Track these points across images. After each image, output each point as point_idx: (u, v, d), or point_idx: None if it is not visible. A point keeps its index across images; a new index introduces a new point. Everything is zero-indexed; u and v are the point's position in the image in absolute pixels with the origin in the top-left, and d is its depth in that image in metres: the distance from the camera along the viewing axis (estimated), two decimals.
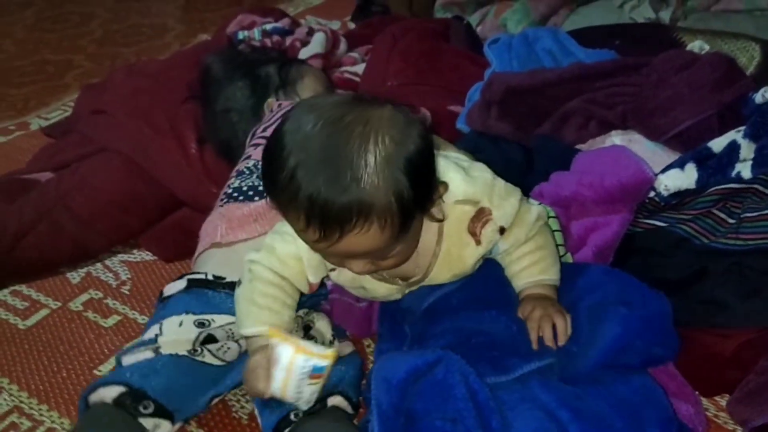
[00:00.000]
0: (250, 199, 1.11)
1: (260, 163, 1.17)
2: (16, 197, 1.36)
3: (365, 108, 0.76)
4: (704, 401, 0.95)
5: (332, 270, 0.92)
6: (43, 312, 1.24)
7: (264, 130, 1.27)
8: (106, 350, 1.15)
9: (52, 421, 1.03)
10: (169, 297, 1.02)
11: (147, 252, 1.37)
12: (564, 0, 1.87)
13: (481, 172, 0.90)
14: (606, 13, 1.80)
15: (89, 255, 1.36)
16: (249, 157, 1.22)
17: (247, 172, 1.17)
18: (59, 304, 1.26)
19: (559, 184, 1.11)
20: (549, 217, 1.01)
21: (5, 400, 1.07)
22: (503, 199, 0.89)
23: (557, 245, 1.01)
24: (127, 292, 1.28)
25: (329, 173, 0.73)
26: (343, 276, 0.93)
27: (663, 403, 0.83)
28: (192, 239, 1.24)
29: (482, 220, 0.88)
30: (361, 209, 0.73)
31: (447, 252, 0.90)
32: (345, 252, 0.78)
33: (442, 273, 0.92)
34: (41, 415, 1.04)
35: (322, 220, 0.73)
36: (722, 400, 0.96)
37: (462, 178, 0.86)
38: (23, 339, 1.19)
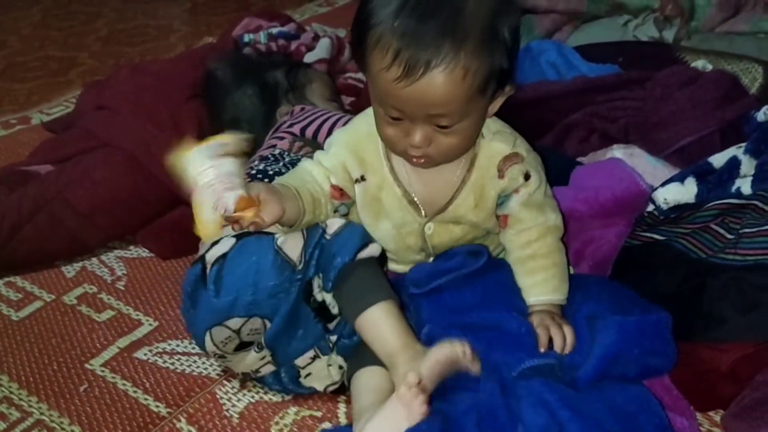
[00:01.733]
0: None
1: (286, 152, 1.17)
2: (16, 188, 1.36)
3: None
4: (698, 416, 0.94)
5: (357, 182, 0.95)
6: (37, 304, 1.24)
7: (290, 126, 1.26)
8: (98, 344, 1.14)
9: (41, 413, 1.02)
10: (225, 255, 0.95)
11: (143, 248, 1.37)
12: (568, 17, 1.88)
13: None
14: (610, 30, 1.81)
15: (86, 249, 1.36)
16: (274, 146, 1.21)
17: (272, 158, 1.16)
18: (53, 297, 1.25)
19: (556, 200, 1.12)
20: None
21: None
22: (537, 161, 0.96)
23: None
24: (122, 288, 1.27)
25: (426, 11, 0.77)
26: (369, 194, 0.95)
27: (658, 411, 0.83)
28: (190, 237, 1.23)
29: (513, 161, 0.93)
30: (452, 46, 0.76)
31: (474, 182, 0.94)
32: (420, 98, 0.79)
33: (467, 201, 0.95)
34: (30, 406, 1.03)
35: (412, 52, 0.76)
36: (716, 416, 0.95)
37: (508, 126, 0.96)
38: (15, 330, 1.18)
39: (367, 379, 0.92)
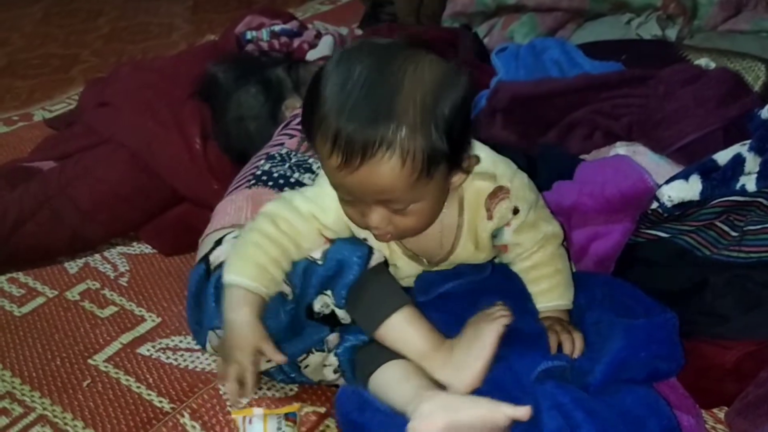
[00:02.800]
0: (280, 188, 1.10)
1: (293, 152, 1.16)
2: (18, 184, 1.36)
3: (413, 48, 0.78)
4: (702, 413, 0.94)
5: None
6: (40, 300, 1.24)
7: (299, 123, 1.25)
8: (101, 340, 1.14)
9: (44, 408, 1.02)
10: None
11: (146, 245, 1.37)
12: (571, 14, 1.88)
13: (507, 160, 0.92)
14: (613, 28, 1.81)
15: (88, 246, 1.36)
16: (282, 144, 1.20)
17: (278, 158, 1.16)
18: (56, 292, 1.25)
19: (560, 194, 1.11)
20: None
21: None
22: (524, 186, 0.91)
23: None
24: (124, 284, 1.27)
25: (361, 97, 0.74)
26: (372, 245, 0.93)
27: (667, 412, 0.83)
28: (192, 234, 1.24)
29: (499, 197, 0.89)
30: (386, 134, 0.73)
31: (468, 225, 0.91)
32: (363, 186, 0.77)
33: (467, 247, 0.93)
34: (33, 401, 1.03)
35: (347, 141, 0.73)
36: (720, 413, 0.95)
37: (487, 155, 0.89)
38: (18, 326, 1.18)
39: (399, 370, 0.87)
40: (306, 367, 0.98)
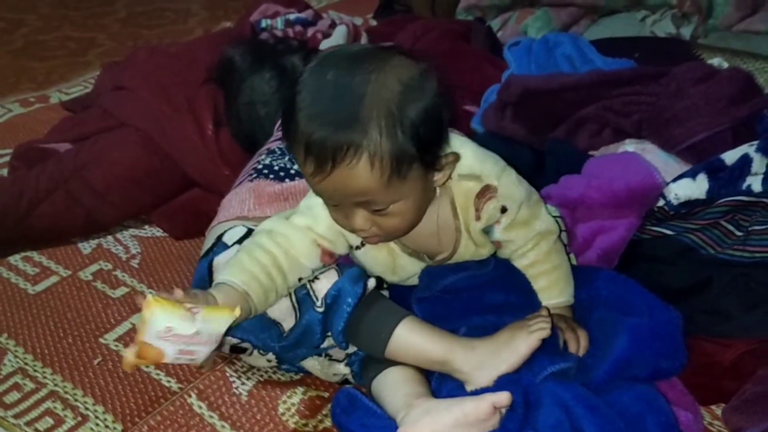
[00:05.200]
0: (281, 179, 1.12)
1: None
2: (34, 165, 1.38)
3: (382, 53, 0.80)
4: (701, 410, 0.95)
5: (358, 248, 0.93)
6: (53, 279, 1.26)
7: None
8: (112, 320, 1.16)
9: (55, 384, 1.04)
10: None
11: (157, 228, 1.39)
12: (586, 10, 1.88)
13: (495, 157, 0.91)
14: (627, 25, 1.81)
15: (101, 227, 1.38)
16: (281, 138, 1.20)
17: (279, 152, 1.18)
18: (69, 272, 1.28)
19: (567, 187, 1.13)
20: (553, 217, 1.01)
21: (10, 361, 1.09)
22: (511, 184, 0.91)
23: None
24: (136, 266, 1.29)
25: (329, 103, 0.76)
26: (371, 255, 0.94)
27: (665, 409, 0.84)
28: (203, 219, 1.26)
29: (486, 196, 0.89)
30: (353, 139, 0.75)
31: (465, 225, 0.92)
32: (339, 190, 0.79)
33: (468, 247, 0.94)
34: (45, 377, 1.05)
35: (318, 147, 0.75)
36: (717, 409, 0.96)
37: (473, 154, 0.89)
38: (31, 303, 1.20)
39: (394, 378, 0.90)
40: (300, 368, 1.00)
